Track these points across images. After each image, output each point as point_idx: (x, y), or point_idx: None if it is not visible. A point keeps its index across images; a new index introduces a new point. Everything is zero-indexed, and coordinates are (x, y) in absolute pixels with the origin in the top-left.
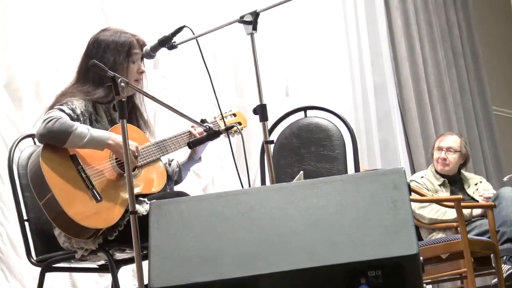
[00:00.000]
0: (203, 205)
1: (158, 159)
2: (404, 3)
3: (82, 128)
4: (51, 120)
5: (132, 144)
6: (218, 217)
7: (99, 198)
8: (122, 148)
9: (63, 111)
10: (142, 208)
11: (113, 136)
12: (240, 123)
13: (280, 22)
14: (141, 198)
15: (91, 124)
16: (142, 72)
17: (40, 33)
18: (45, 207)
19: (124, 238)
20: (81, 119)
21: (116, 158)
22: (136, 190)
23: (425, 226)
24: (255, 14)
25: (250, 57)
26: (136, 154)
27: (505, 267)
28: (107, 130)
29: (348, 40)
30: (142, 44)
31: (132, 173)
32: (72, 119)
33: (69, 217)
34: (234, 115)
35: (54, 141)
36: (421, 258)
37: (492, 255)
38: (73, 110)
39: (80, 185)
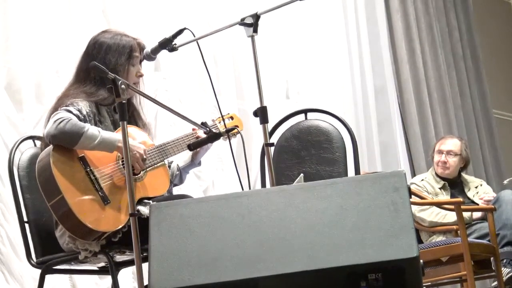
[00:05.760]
0: (203, 207)
1: (162, 162)
2: (404, 6)
3: (93, 130)
4: (62, 121)
5: (140, 147)
6: (219, 220)
7: (107, 201)
8: (132, 151)
9: (71, 112)
10: (146, 210)
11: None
12: (237, 126)
13: (281, 25)
14: (146, 201)
15: (95, 125)
16: (141, 75)
17: (41, 35)
18: (54, 208)
19: (128, 240)
20: (87, 120)
21: (123, 160)
22: (141, 194)
23: (425, 229)
24: (256, 17)
25: (250, 59)
26: (145, 157)
27: (505, 270)
28: (111, 131)
29: (348, 43)
30: (142, 48)
31: (137, 176)
32: (80, 120)
33: (78, 219)
34: (231, 118)
35: (65, 142)
36: (421, 261)
37: (492, 258)
38: (79, 111)
39: (89, 187)
